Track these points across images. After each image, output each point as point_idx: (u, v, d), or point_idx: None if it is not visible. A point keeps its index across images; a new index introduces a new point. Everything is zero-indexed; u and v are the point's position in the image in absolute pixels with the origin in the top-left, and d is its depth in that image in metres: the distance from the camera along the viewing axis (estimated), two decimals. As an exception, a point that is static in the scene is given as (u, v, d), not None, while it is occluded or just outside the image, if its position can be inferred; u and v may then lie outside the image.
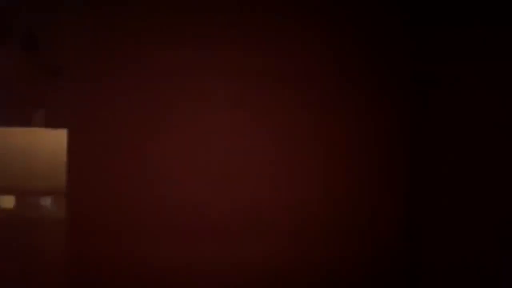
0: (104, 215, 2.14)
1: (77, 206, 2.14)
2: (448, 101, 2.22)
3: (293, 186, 2.23)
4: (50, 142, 2.58)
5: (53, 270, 2.37)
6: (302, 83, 2.23)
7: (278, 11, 2.22)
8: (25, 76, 2.37)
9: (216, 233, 2.19)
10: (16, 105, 2.58)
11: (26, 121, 2.60)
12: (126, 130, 2.15)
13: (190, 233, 2.18)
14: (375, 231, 2.28)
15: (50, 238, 2.42)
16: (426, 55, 2.29)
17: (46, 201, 2.58)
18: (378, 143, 2.29)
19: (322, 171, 2.24)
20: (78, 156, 2.14)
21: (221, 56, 2.18)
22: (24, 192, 2.50)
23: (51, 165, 2.55)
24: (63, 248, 2.18)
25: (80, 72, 2.14)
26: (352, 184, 2.26)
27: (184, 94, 2.17)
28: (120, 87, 2.15)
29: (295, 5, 2.23)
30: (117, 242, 2.15)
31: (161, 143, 2.17)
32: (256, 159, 2.20)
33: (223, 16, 2.19)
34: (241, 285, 2.19)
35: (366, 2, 2.28)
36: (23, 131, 2.54)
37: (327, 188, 2.24)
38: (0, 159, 2.51)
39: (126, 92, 2.15)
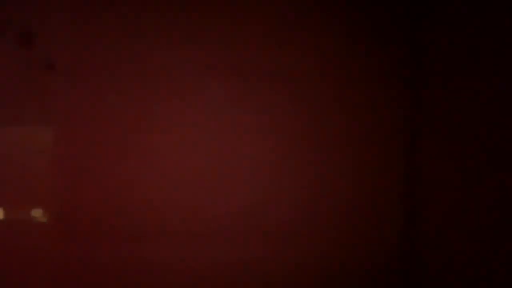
0: (96, 216, 2.13)
1: (68, 206, 2.12)
2: (447, 99, 2.22)
3: (291, 186, 2.25)
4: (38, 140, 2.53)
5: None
6: (299, 83, 2.24)
7: (275, 12, 2.22)
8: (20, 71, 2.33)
9: (214, 235, 2.19)
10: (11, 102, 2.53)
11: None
12: (122, 130, 2.17)
13: (186, 234, 2.18)
14: (374, 231, 2.30)
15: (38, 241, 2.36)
16: (423, 54, 2.30)
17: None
18: (377, 143, 2.31)
19: (320, 171, 2.26)
20: (69, 154, 2.12)
21: (219, 56, 2.19)
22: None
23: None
24: (52, 251, 2.13)
25: (74, 70, 2.14)
26: (351, 184, 2.29)
27: (181, 94, 2.18)
28: (116, 86, 2.17)
29: (292, 5, 2.24)
30: (111, 244, 2.16)
31: (158, 143, 2.17)
32: (255, 160, 2.22)
33: (221, 17, 2.20)
34: (240, 286, 2.20)
35: (363, 1, 2.30)
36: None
37: (325, 187, 2.26)
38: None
39: (122, 92, 2.17)
